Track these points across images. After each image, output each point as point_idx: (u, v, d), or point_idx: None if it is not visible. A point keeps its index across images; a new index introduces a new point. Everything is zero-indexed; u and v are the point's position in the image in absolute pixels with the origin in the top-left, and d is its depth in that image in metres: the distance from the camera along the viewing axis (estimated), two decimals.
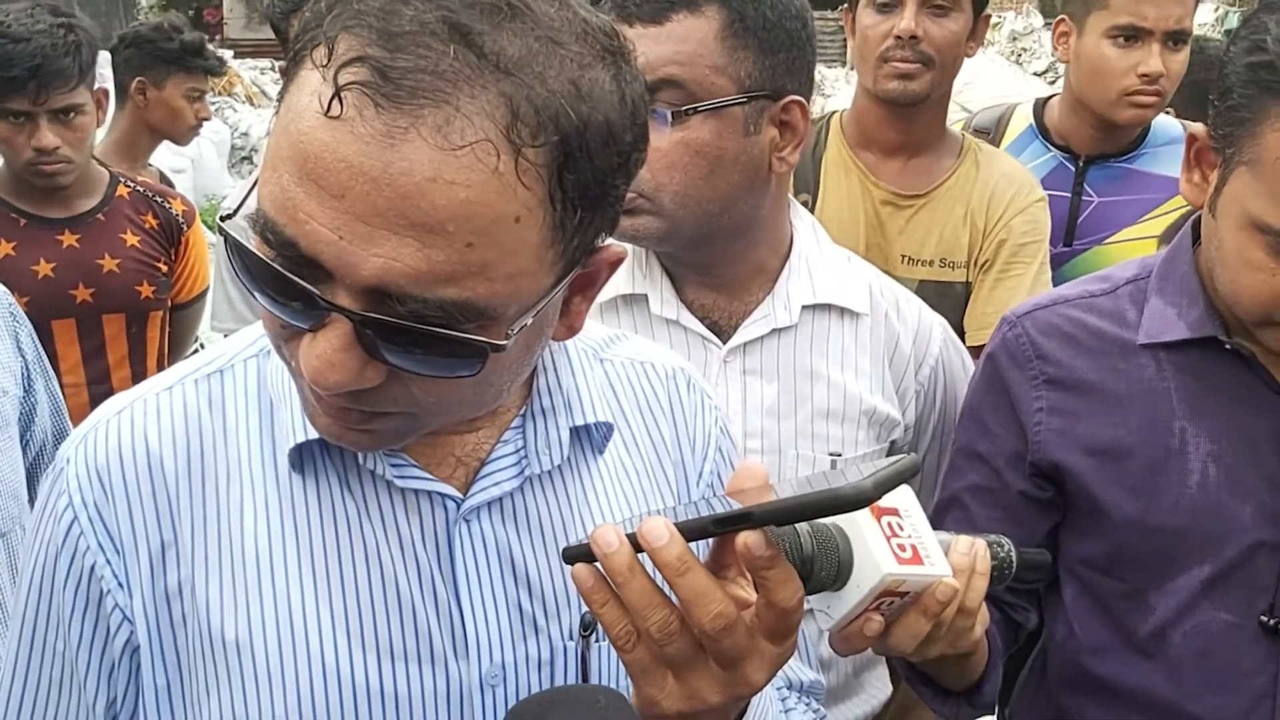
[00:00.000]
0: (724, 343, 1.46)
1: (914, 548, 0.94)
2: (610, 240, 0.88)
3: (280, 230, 0.75)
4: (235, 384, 0.96)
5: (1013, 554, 1.15)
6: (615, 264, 0.89)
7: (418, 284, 0.74)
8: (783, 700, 1.11)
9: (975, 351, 1.61)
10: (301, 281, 0.75)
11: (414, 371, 0.79)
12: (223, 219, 0.83)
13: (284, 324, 0.80)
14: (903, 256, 2.15)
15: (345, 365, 0.77)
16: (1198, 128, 1.25)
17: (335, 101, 0.71)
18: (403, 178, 0.71)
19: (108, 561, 0.91)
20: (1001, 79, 9.90)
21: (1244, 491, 1.27)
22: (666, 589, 0.76)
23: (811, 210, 2.17)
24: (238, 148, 10.69)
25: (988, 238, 2.12)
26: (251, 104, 11.63)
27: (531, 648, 0.95)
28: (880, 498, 0.73)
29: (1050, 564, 1.26)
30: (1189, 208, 2.43)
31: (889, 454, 1.51)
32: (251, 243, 0.77)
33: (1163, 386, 1.31)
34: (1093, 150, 2.41)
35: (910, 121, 2.14)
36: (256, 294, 0.79)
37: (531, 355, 0.88)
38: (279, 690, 0.90)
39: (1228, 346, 1.27)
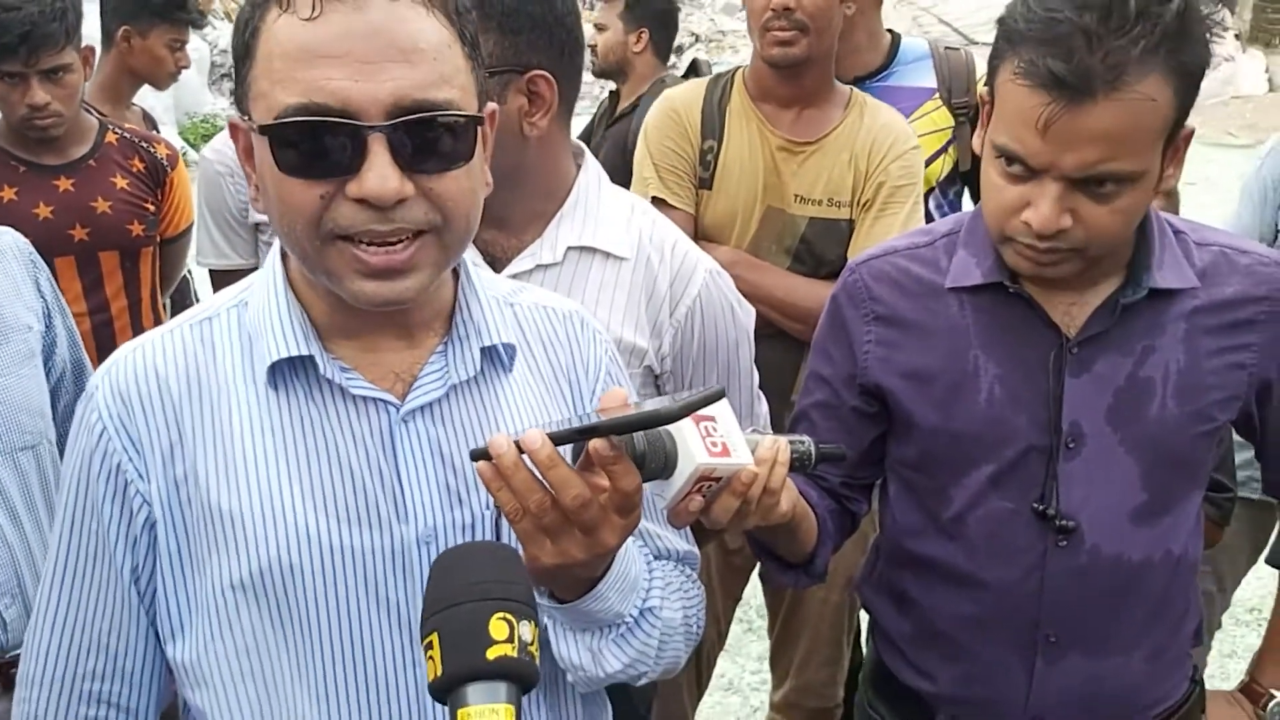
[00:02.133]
0: (497, 274, 1.58)
1: (724, 445, 1.25)
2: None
3: (312, 102, 1.06)
4: (221, 326, 1.25)
5: (812, 449, 1.43)
6: (493, 120, 1.21)
7: (419, 90, 1.07)
8: (647, 564, 1.38)
9: None
10: (344, 120, 1.06)
11: (433, 170, 1.10)
12: (263, 130, 1.10)
13: (324, 191, 1.08)
14: (795, 196, 2.44)
15: (394, 175, 1.07)
16: (985, 90, 1.51)
17: (316, 5, 1.06)
18: (382, 24, 1.06)
19: (130, 460, 1.19)
20: None
21: (1021, 406, 1.55)
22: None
23: (717, 155, 2.45)
24: (217, 64, 10.75)
25: (869, 180, 2.40)
26: (229, 20, 11.67)
27: (457, 515, 1.22)
28: (685, 416, 1.08)
29: (845, 456, 1.53)
30: (939, 111, 2.75)
31: (648, 379, 1.75)
32: (284, 123, 1.07)
33: (963, 323, 1.58)
34: (847, 75, 2.66)
35: (797, 79, 2.41)
36: (299, 173, 1.08)
37: (484, 185, 1.20)
38: (263, 549, 1.17)
39: (1011, 290, 1.56)
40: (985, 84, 1.49)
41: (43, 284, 2.04)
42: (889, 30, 2.87)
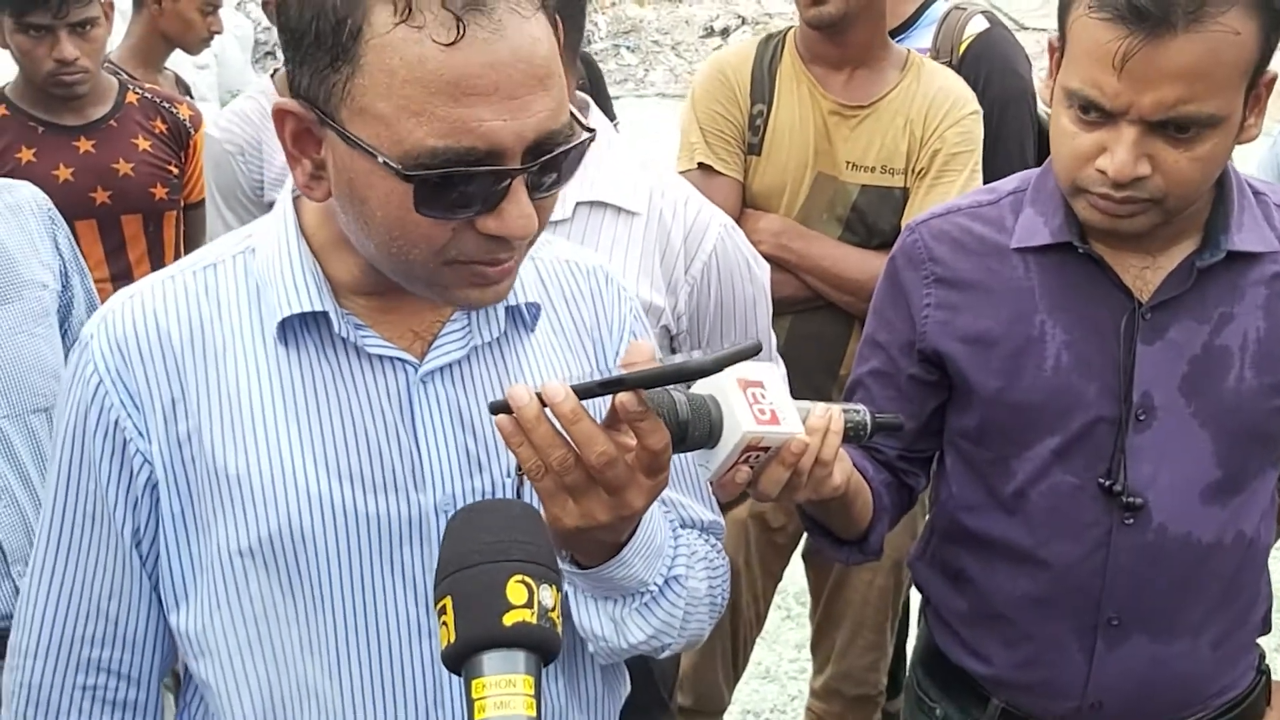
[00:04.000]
0: None
1: (773, 412, 1.17)
2: None
3: (460, 145, 0.95)
4: (226, 275, 1.17)
5: (868, 418, 1.34)
6: None
7: (553, 120, 1.00)
8: (673, 532, 1.31)
9: None
10: (488, 167, 0.97)
11: (549, 191, 1.04)
12: (405, 175, 0.97)
13: (455, 226, 1.00)
14: (847, 163, 2.34)
15: (532, 213, 1.01)
16: (1054, 36, 1.42)
17: (458, 28, 0.93)
18: (525, 51, 0.97)
19: (129, 415, 1.12)
20: None
21: (1090, 374, 1.46)
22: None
23: (766, 119, 2.36)
24: (261, 42, 10.63)
25: (924, 147, 2.30)
26: None
27: (477, 482, 1.17)
28: (718, 370, 0.98)
29: (902, 427, 1.44)
30: None
31: (663, 340, 1.68)
32: (433, 173, 0.97)
33: (1028, 285, 1.49)
34: None
35: (842, 38, 2.30)
36: (435, 211, 0.99)
37: None
38: (272, 513, 1.11)
39: (1080, 251, 1.47)
40: (1057, 28, 1.40)
41: (61, 242, 1.97)
42: None
